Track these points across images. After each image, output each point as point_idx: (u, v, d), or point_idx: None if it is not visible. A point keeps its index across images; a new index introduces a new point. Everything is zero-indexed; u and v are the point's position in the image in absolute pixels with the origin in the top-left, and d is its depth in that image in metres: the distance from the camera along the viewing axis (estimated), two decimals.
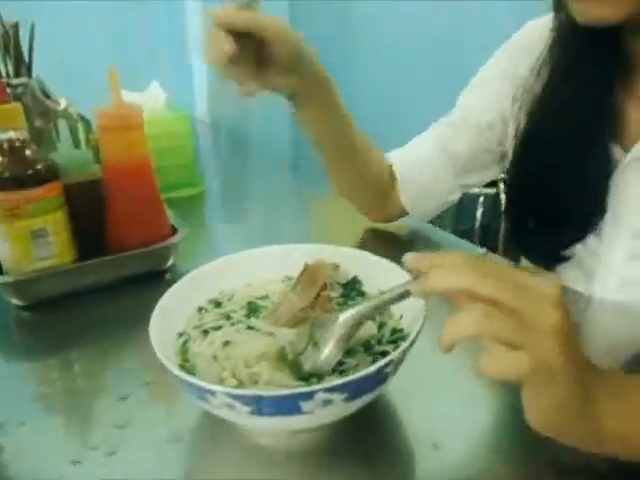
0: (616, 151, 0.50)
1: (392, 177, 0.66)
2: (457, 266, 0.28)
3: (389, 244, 0.70)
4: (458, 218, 2.09)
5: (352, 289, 0.46)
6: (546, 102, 0.53)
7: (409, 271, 0.33)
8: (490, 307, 0.26)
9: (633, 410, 0.30)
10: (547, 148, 0.53)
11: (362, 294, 0.45)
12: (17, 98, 0.75)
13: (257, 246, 0.49)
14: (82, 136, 0.75)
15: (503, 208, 0.60)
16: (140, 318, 0.54)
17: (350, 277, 0.46)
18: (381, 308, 0.35)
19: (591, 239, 0.54)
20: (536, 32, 0.56)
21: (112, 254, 0.57)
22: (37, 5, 1.05)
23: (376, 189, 0.66)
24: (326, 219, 0.84)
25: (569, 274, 0.57)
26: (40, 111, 0.78)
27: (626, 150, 0.50)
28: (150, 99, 0.86)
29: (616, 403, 0.29)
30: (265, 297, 0.45)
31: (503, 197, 1.68)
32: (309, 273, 0.42)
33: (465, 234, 2.10)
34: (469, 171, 0.64)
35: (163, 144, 0.81)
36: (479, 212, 1.84)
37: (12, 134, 0.49)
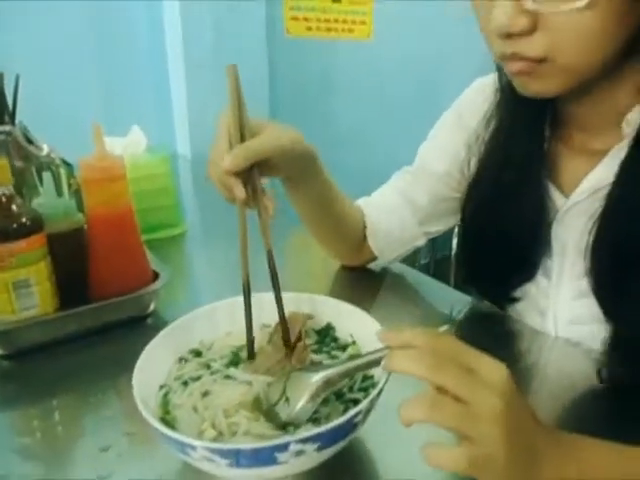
0: (558, 198, 0.54)
1: (364, 227, 0.69)
2: (415, 353, 0.31)
3: (362, 282, 0.73)
4: (434, 247, 2.14)
5: (326, 335, 0.48)
6: (492, 152, 0.57)
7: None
8: (439, 396, 0.30)
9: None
10: (492, 194, 0.57)
11: (335, 340, 0.48)
12: (0, 145, 0.77)
13: (238, 287, 0.50)
14: (64, 180, 0.77)
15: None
16: (123, 365, 0.55)
17: (324, 324, 0.49)
18: (352, 373, 0.38)
19: (542, 279, 0.57)
20: (485, 88, 0.61)
21: (94, 301, 0.58)
22: (24, 54, 1.08)
23: (351, 240, 0.70)
24: (304, 255, 0.86)
25: (524, 312, 0.60)
26: (22, 155, 0.80)
27: (566, 197, 0.54)
28: (131, 144, 0.89)
29: (555, 473, 0.32)
30: (245, 345, 0.46)
31: None
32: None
33: (441, 263, 2.15)
34: (432, 219, 0.68)
35: (144, 187, 0.84)
36: (454, 242, 1.88)
37: None
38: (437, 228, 0.70)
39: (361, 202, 0.71)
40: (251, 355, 0.45)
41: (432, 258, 2.29)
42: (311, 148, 0.56)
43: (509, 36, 0.41)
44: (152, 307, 0.63)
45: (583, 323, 0.54)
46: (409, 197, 0.68)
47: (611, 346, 0.49)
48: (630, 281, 0.47)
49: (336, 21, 1.88)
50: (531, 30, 0.40)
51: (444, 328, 0.37)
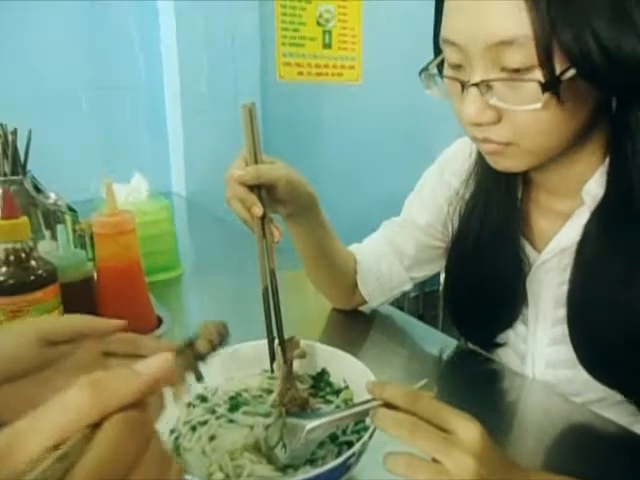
0: (531, 253, 0.60)
1: (356, 272, 0.75)
2: (398, 418, 0.35)
3: (352, 325, 0.78)
4: (424, 281, 2.19)
5: (321, 380, 0.52)
6: (471, 211, 0.63)
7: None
8: (415, 456, 0.34)
9: None
10: (472, 250, 0.62)
11: (329, 384, 0.52)
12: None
13: (235, 326, 0.54)
14: (70, 226, 0.82)
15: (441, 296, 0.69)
16: None
17: (319, 369, 0.53)
18: (344, 421, 0.41)
19: (520, 326, 0.62)
20: (465, 147, 0.67)
21: None
22: (24, 105, 1.14)
23: (344, 285, 0.75)
24: (296, 298, 0.90)
25: (505, 356, 0.65)
26: (31, 203, 0.85)
27: (539, 252, 0.59)
28: (134, 190, 0.94)
29: None
30: (245, 390, 0.51)
31: None
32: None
33: (430, 295, 2.21)
34: (418, 266, 0.74)
35: (147, 232, 0.88)
36: (442, 276, 1.94)
37: (19, 245, 0.55)
38: (423, 274, 0.75)
39: (353, 249, 0.77)
40: (272, 360, 0.50)
41: (421, 292, 2.35)
42: (314, 192, 0.63)
43: (478, 125, 0.47)
44: None
45: (558, 368, 0.59)
46: (397, 246, 0.74)
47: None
48: (601, 330, 0.52)
49: (326, 66, 1.98)
50: (497, 121, 0.46)
51: (424, 382, 0.42)
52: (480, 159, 0.61)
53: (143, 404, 0.25)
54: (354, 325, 0.78)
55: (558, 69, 0.41)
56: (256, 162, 0.54)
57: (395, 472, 0.35)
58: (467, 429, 0.35)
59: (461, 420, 0.36)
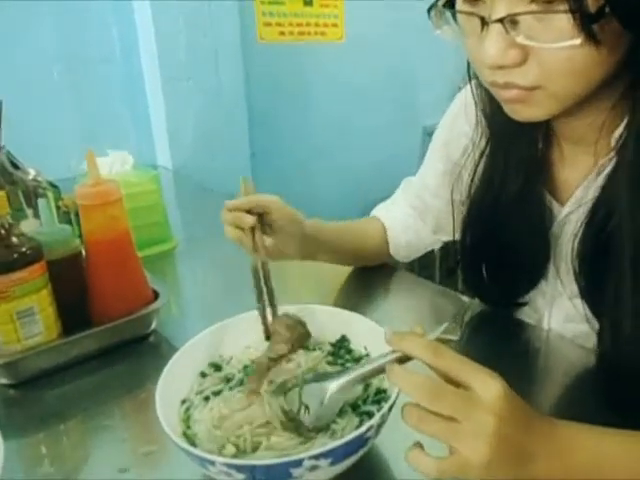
0: (555, 207, 0.56)
1: (383, 234, 0.76)
2: (416, 380, 0.33)
3: (359, 288, 0.75)
4: None
5: (340, 347, 0.49)
6: (489, 165, 0.58)
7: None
8: (428, 413, 0.33)
9: (573, 468, 0.34)
10: (492, 206, 0.58)
11: (350, 351, 0.49)
12: None
13: (233, 297, 0.51)
14: (52, 203, 0.77)
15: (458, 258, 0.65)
16: (129, 385, 0.56)
17: (339, 336, 0.50)
18: (364, 379, 0.39)
19: (541, 280, 0.59)
20: (461, 106, 0.63)
21: (96, 323, 0.58)
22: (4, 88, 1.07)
23: (372, 255, 0.77)
24: (296, 265, 0.88)
25: (520, 312, 0.63)
26: (9, 180, 0.80)
27: (562, 205, 0.56)
28: (117, 161, 0.89)
29: (556, 462, 0.34)
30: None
31: None
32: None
33: (425, 256, 2.20)
34: (442, 230, 0.73)
35: (135, 204, 0.83)
36: None
37: None
38: (448, 237, 0.73)
39: (380, 215, 0.77)
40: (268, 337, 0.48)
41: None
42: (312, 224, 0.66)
43: (500, 67, 0.41)
44: (153, 325, 0.64)
45: (577, 321, 0.56)
46: (419, 212, 0.73)
47: (600, 342, 0.50)
48: (612, 284, 0.47)
49: (308, 24, 1.90)
50: (522, 62, 0.40)
51: (445, 325, 0.39)
52: (494, 108, 0.54)
53: None
54: (360, 287, 0.75)
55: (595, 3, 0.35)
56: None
57: (407, 423, 0.33)
58: (488, 386, 0.33)
59: (482, 376, 0.33)
